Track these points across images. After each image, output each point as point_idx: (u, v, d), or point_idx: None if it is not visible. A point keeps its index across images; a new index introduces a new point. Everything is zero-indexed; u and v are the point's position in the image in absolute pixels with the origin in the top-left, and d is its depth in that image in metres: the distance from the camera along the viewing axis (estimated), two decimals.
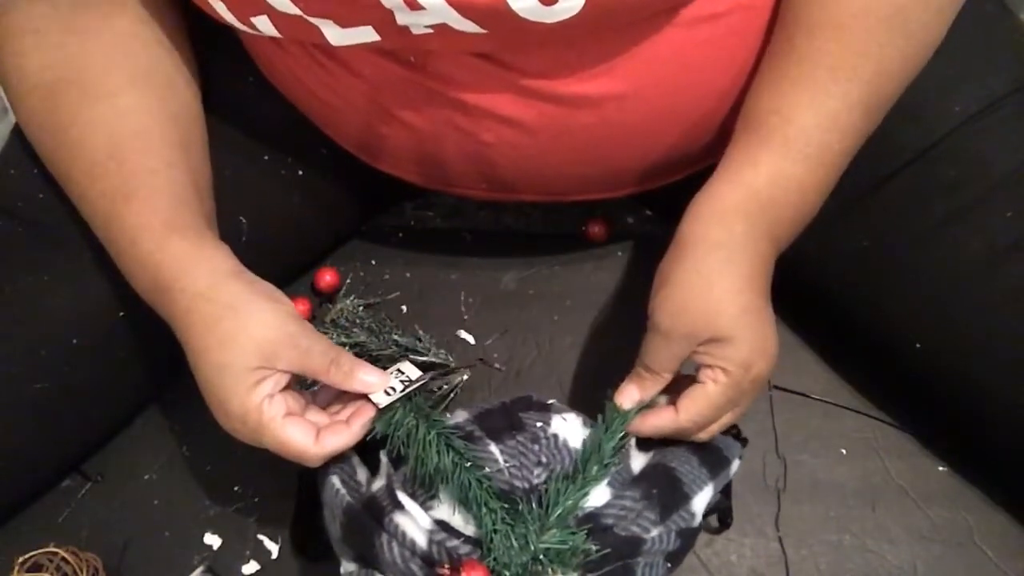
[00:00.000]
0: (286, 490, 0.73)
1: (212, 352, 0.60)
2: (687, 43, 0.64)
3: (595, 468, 0.63)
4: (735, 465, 0.70)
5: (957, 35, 0.71)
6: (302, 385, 0.67)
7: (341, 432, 0.62)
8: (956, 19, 0.71)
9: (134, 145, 0.65)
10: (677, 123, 0.69)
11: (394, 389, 0.63)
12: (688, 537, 0.65)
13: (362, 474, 0.66)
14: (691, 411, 0.62)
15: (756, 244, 0.61)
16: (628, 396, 0.64)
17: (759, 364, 0.61)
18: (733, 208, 0.61)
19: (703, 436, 0.64)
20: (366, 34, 0.60)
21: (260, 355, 0.59)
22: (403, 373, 0.64)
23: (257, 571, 0.71)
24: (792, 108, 0.61)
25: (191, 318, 0.61)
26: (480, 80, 0.64)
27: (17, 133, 0.76)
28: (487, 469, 0.62)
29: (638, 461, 0.67)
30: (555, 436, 0.64)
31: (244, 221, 0.75)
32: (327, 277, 0.83)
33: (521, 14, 0.56)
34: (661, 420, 0.64)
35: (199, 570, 0.69)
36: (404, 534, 0.60)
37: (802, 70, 0.61)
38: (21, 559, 0.65)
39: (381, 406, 0.62)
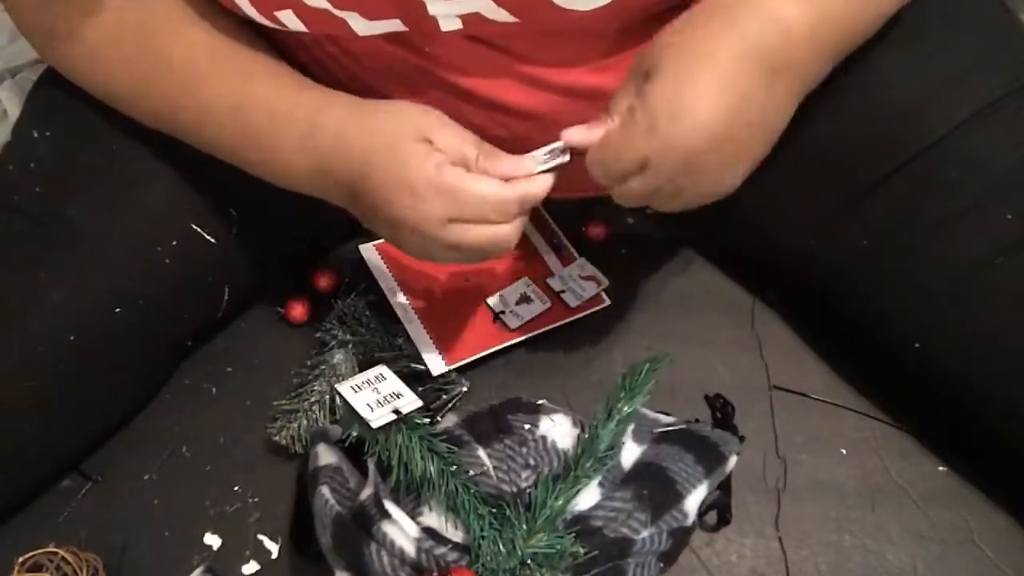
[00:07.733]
0: (286, 490, 0.74)
1: (379, 150, 0.61)
2: None
3: (589, 462, 0.63)
4: (732, 461, 0.70)
5: (957, 34, 0.70)
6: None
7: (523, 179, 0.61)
8: (955, 18, 0.71)
9: (240, 50, 0.68)
10: None
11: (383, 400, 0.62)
12: (681, 536, 0.64)
13: (354, 481, 0.66)
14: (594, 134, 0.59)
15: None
16: (574, 131, 0.61)
17: (671, 125, 0.55)
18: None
19: (616, 191, 0.61)
20: (393, 25, 0.61)
21: (418, 132, 0.61)
22: (384, 380, 0.63)
23: (257, 571, 0.71)
24: None
25: (348, 135, 0.63)
26: (491, 70, 0.64)
27: (16, 131, 0.76)
28: (472, 473, 0.62)
29: (630, 455, 0.67)
30: (543, 438, 0.64)
31: (234, 213, 0.76)
32: (327, 277, 0.83)
33: (557, 1, 0.56)
34: (584, 133, 0.60)
35: (199, 570, 0.69)
36: (393, 543, 0.61)
37: None
38: (21, 559, 0.65)
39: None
